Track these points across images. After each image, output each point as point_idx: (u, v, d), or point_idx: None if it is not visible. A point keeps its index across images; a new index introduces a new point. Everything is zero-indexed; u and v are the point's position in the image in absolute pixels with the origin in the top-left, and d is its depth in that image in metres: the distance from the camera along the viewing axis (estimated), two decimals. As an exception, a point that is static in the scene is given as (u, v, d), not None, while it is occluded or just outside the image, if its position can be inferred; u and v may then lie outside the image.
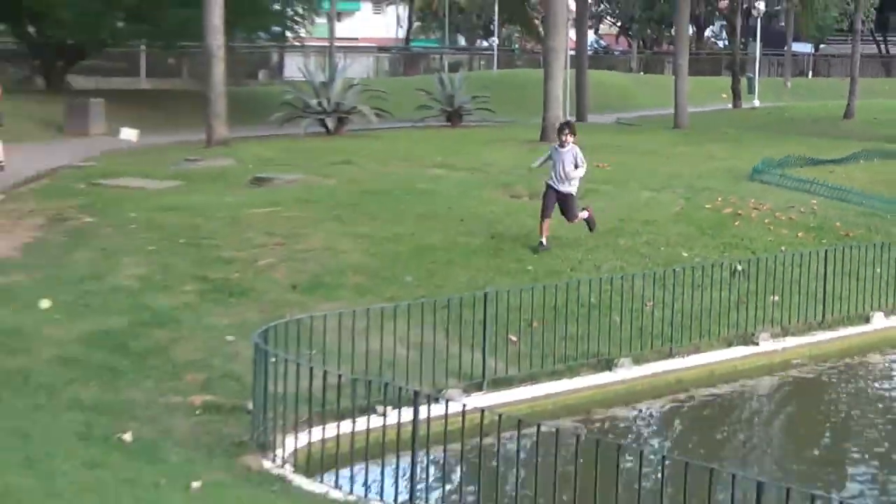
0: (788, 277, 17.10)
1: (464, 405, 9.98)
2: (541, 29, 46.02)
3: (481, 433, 9.46)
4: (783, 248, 19.35)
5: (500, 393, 13.65)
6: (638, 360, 15.02)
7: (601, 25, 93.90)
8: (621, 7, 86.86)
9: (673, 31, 56.41)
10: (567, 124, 18.83)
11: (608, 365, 14.76)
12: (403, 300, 14.35)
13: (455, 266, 17.20)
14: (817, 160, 27.37)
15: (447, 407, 9.70)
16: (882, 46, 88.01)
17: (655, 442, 13.75)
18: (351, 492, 10.17)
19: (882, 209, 22.59)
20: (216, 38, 30.87)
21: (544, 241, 17.85)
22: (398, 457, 10.19)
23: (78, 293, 15.09)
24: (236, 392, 12.34)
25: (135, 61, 55.44)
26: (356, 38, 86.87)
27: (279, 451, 10.77)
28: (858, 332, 17.39)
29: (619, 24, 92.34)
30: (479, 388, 13.62)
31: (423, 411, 9.58)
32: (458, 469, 10.84)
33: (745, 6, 62.49)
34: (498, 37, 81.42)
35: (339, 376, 10.85)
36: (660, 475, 8.91)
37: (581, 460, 9.28)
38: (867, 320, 17.60)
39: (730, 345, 16.08)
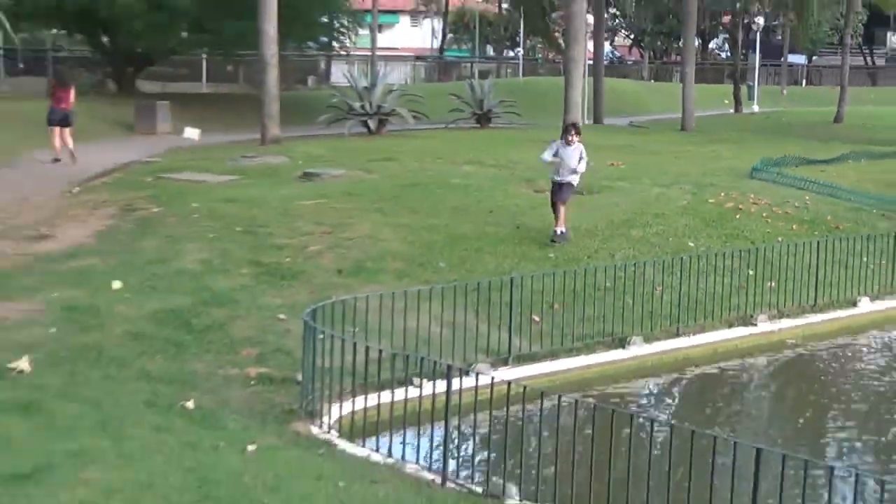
0: (784, 265, 17.10)
1: (492, 378, 9.96)
2: (561, 41, 45.74)
3: (508, 403, 9.43)
4: (779, 239, 19.27)
5: (524, 367, 13.63)
6: (648, 339, 14.99)
7: (616, 38, 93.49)
8: (634, 21, 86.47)
9: (680, 44, 56.11)
10: (573, 125, 18.81)
11: (621, 343, 14.73)
12: (438, 283, 14.36)
13: (484, 253, 17.15)
14: (810, 160, 27.15)
15: (477, 380, 9.66)
16: (869, 58, 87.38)
17: (663, 411, 13.70)
18: (389, 455, 10.18)
19: (869, 204, 22.45)
20: (270, 47, 30.84)
21: (559, 230, 17.80)
22: (432, 424, 10.18)
23: (146, 276, 15.12)
24: (287, 365, 12.35)
25: (197, 68, 55.61)
26: (396, 48, 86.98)
27: (325, 419, 10.76)
28: (847, 314, 17.31)
29: (632, 36, 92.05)
30: (505, 363, 13.62)
31: (455, 384, 9.56)
32: (487, 436, 10.81)
33: (745, 21, 62.16)
34: (523, 47, 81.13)
35: (380, 351, 10.86)
36: (667, 441, 8.88)
37: (596, 426, 9.27)
38: (855, 304, 17.51)
39: (731, 326, 16.03)
